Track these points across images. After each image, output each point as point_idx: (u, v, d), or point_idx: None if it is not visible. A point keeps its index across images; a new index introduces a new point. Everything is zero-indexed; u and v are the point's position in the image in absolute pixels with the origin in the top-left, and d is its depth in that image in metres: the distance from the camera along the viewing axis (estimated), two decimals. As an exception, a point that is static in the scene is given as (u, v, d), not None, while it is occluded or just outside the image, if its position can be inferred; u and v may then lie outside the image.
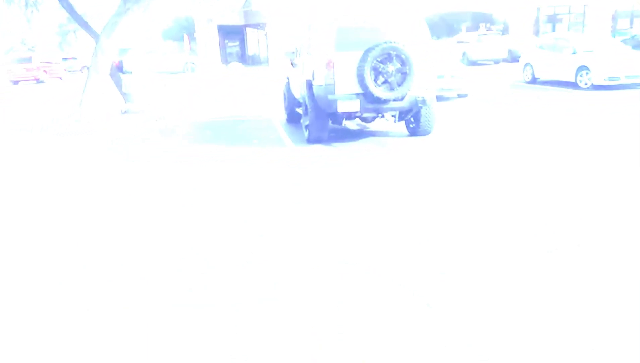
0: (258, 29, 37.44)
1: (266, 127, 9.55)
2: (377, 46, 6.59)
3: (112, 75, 12.12)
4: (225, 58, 37.80)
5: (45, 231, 4.34)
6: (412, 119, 7.66)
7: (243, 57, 39.57)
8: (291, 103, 9.63)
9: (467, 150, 6.74)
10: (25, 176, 6.52)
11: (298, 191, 5.22)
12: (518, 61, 25.59)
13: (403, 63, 6.71)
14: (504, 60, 25.93)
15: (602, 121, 8.57)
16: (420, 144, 7.26)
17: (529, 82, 15.12)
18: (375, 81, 6.73)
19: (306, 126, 7.64)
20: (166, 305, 2.94)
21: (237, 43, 41.09)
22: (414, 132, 7.71)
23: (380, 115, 7.39)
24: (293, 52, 9.16)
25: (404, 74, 6.76)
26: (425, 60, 6.88)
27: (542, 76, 14.66)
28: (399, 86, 6.78)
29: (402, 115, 7.43)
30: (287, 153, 7.15)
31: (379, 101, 6.81)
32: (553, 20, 34.87)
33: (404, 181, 5.43)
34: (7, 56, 32.88)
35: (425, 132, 7.63)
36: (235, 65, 33.50)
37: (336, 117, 7.35)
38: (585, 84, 12.77)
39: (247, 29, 38.68)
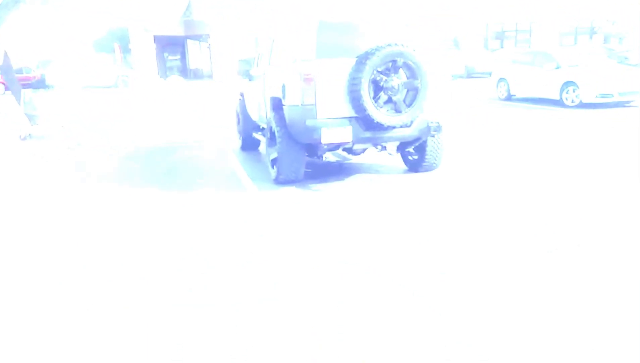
0: (200, 40, 34.97)
1: (215, 158, 7.37)
2: (377, 50, 4.64)
3: (12, 90, 9.53)
4: (165, 72, 35.02)
5: None
6: (412, 150, 5.76)
7: (184, 71, 36.90)
8: (247, 127, 7.54)
9: (487, 189, 4.91)
10: None
11: (272, 280, 3.13)
12: (474, 77, 25.14)
13: (413, 75, 4.81)
14: (460, 76, 25.06)
15: (608, 141, 7.07)
16: (430, 183, 5.37)
17: (504, 100, 13.81)
18: (375, 99, 4.77)
19: (273, 161, 5.57)
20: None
21: (178, 56, 38.39)
22: (415, 166, 5.81)
23: (378, 147, 5.43)
24: (249, 61, 7.08)
25: (414, 91, 4.86)
26: (439, 71, 5.01)
27: (520, 93, 13.38)
28: (408, 106, 4.86)
29: (404, 145, 5.52)
30: (248, 201, 5.04)
31: (380, 128, 4.85)
32: (501, 36, 34.90)
33: (426, 243, 3.48)
34: None
35: (431, 167, 5.76)
36: (175, 79, 30.97)
37: (315, 148, 5.32)
38: (573, 101, 11.50)
39: (188, 40, 36.08)
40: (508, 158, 6.56)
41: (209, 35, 31.69)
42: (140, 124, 11.65)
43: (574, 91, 11.49)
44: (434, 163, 5.73)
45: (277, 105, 5.41)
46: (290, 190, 5.29)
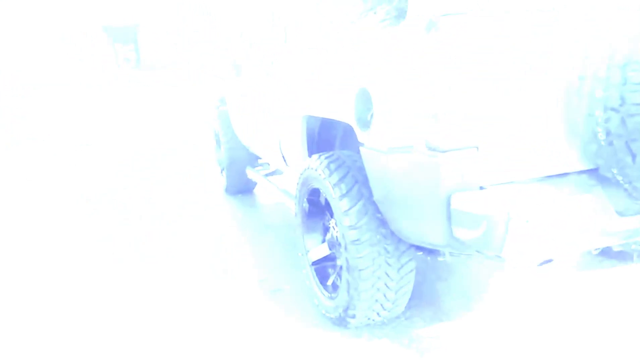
0: (154, 27, 30.95)
1: (184, 219, 4.05)
2: None
3: None
4: (116, 64, 30.99)
5: None
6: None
7: (138, 61, 32.88)
8: (234, 156, 4.28)
9: None
10: None
11: None
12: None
13: None
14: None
15: None
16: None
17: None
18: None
19: (321, 272, 2.34)
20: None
21: (131, 45, 34.27)
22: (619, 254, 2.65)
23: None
24: (232, 46, 3.72)
25: None
26: None
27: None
28: None
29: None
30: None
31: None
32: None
33: None
34: None
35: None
36: (127, 71, 27.10)
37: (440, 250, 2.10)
38: None
39: (141, 28, 32.00)
40: None
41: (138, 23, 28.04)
42: (67, 140, 8.10)
43: None
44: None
45: (332, 139, 2.18)
46: (380, 347, 2.10)
